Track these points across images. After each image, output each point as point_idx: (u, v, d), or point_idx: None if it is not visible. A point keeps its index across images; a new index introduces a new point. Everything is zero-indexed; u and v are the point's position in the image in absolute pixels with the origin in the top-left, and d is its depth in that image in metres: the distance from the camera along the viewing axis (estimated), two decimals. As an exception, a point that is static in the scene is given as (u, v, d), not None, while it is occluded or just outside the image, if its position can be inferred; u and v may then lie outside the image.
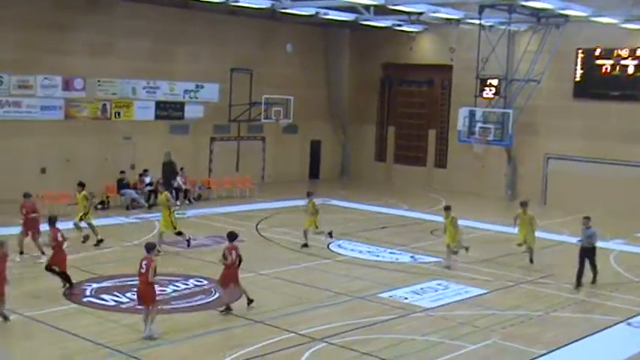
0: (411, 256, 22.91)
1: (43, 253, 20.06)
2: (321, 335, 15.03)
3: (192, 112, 36.10)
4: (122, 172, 31.14)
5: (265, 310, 16.77)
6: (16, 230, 21.48)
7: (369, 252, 23.54)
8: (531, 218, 22.11)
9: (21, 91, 30.50)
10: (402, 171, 41.12)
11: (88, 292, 17.63)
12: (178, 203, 29.56)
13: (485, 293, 18.98)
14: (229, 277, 16.45)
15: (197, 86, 36.12)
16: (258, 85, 37.36)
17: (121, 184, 30.64)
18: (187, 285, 18.67)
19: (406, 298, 18.09)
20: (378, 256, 23.05)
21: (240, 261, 16.65)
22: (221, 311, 16.50)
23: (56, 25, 30.94)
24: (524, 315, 17.19)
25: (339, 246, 23.96)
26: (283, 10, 32.67)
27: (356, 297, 18.21)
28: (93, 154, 32.37)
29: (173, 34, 34.72)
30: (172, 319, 15.90)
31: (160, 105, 34.92)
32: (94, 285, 18.24)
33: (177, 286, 18.43)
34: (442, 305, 17.75)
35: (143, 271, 14.53)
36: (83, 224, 23.14)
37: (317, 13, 33.21)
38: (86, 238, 22.08)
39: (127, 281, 18.48)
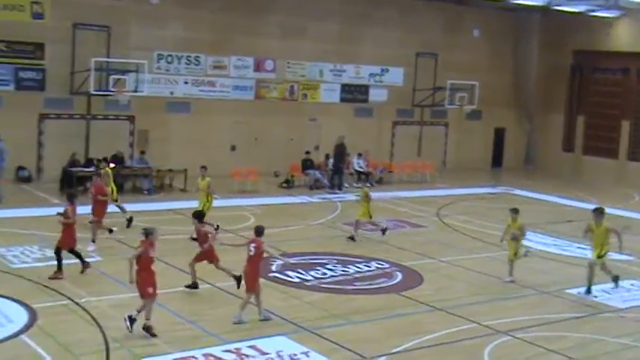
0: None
1: (110, 231, 20.13)
2: (505, 328, 14.65)
3: (376, 95, 36.27)
4: (307, 152, 31.82)
5: (446, 297, 16.58)
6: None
7: (554, 245, 22.73)
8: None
9: (216, 71, 31.88)
10: (592, 163, 39.30)
11: (273, 268, 18.12)
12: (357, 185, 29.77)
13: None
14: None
15: (382, 70, 36.21)
16: (443, 70, 37.02)
17: (306, 165, 31.30)
18: (369, 267, 18.78)
19: (595, 297, 17.28)
20: (564, 250, 22.20)
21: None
22: (186, 286, 15.89)
23: (251, 7, 32.01)
24: None
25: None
26: (473, -5, 32.08)
27: (542, 292, 17.62)
28: (280, 134, 33.34)
29: (361, 18, 34.97)
30: (355, 300, 16.07)
31: (345, 88, 35.35)
32: (280, 261, 18.71)
33: (359, 268, 18.59)
34: (636, 307, 16.81)
35: (252, 253, 14.33)
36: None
37: (508, -3, 32.39)
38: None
39: (311, 259, 18.90)
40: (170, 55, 30.87)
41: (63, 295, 14.85)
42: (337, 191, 29.95)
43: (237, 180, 29.16)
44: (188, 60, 31.29)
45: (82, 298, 14.65)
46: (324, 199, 28.76)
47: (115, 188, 22.48)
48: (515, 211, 18.16)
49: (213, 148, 31.41)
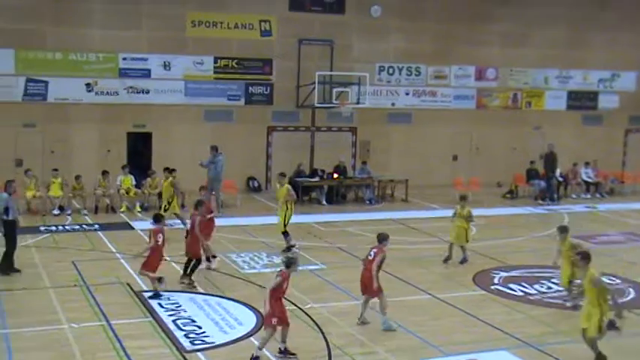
0: None
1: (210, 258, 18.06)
2: None
3: (606, 102, 34.50)
4: (532, 162, 30.83)
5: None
6: (430, 214, 22.34)
7: None
8: None
9: (436, 81, 31.83)
10: None
11: (496, 280, 17.69)
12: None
13: None
14: None
15: (613, 75, 34.39)
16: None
17: (531, 175, 30.34)
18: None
19: None
20: None
21: None
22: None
23: (473, 16, 31.65)
24: None
25: None
26: None
27: None
28: (502, 144, 32.63)
29: (588, 21, 33.42)
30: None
31: (572, 95, 33.97)
32: (502, 273, 18.24)
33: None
34: None
35: (370, 258, 13.95)
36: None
37: None
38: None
39: (536, 272, 18.26)
40: (391, 67, 31.24)
41: (288, 300, 15.35)
42: (549, 202, 28.67)
43: (459, 190, 28.80)
44: (409, 71, 31.50)
45: (307, 305, 15.08)
46: (549, 210, 27.72)
47: (175, 198, 22.27)
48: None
49: (434, 158, 31.40)
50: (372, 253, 14.15)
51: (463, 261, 18.96)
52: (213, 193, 24.28)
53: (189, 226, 17.10)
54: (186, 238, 17.25)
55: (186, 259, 16.62)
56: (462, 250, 19.11)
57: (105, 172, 25.36)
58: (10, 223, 16.76)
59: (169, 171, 22.86)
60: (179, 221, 21.68)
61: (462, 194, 20.38)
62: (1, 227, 16.80)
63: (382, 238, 14.26)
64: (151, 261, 15.43)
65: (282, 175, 21.15)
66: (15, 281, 16.24)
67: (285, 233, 19.89)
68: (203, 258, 17.18)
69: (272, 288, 12.17)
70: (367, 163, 29.40)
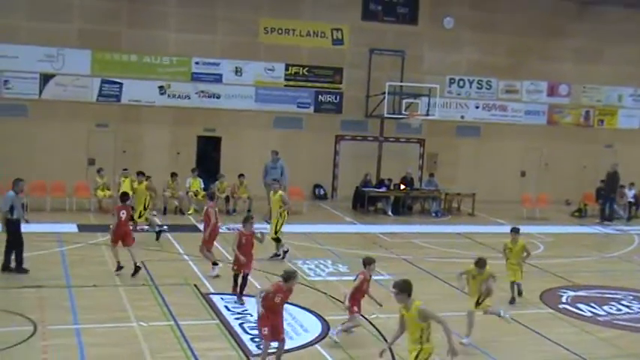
0: None
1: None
2: None
3: (683, 121, 33.73)
4: (602, 181, 30.22)
5: None
6: (497, 229, 22.02)
7: None
8: None
9: (507, 95, 31.49)
10: None
11: (564, 299, 17.37)
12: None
13: None
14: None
15: (690, 94, 33.59)
16: None
17: (600, 194, 29.74)
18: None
19: None
20: None
21: None
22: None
23: (547, 31, 31.30)
24: None
25: None
26: None
27: None
28: (572, 161, 32.12)
29: (667, 39, 32.71)
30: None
31: (646, 113, 33.30)
32: (570, 293, 17.91)
33: (659, 307, 17.22)
34: None
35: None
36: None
37: None
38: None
39: (605, 293, 17.86)
40: (462, 80, 31.04)
41: (354, 309, 15.34)
42: (607, 223, 28.05)
43: (526, 207, 28.49)
44: (479, 84, 31.24)
45: (372, 314, 15.02)
46: (619, 230, 27.13)
47: (145, 204, 21.63)
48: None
49: (502, 172, 31.07)
50: (356, 277, 13.69)
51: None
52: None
53: (236, 244, 15.65)
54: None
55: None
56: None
57: (174, 174, 25.74)
58: (14, 222, 16.79)
59: (144, 175, 22.26)
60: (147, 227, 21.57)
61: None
62: (4, 225, 16.86)
63: (366, 262, 13.71)
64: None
65: (275, 181, 20.92)
66: (86, 278, 16.57)
67: (277, 239, 19.36)
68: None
69: (260, 294, 11.74)
70: (434, 175, 29.23)
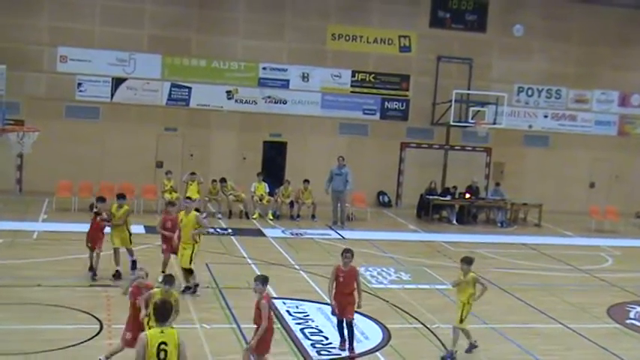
0: None
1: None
2: None
3: None
4: (674, 194, 29.53)
5: None
6: (564, 241, 21.63)
7: None
8: None
9: (577, 104, 30.96)
10: None
11: (632, 315, 16.95)
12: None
13: None
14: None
15: None
16: None
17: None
18: None
19: None
20: None
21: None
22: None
23: (619, 40, 30.69)
24: None
25: None
26: None
27: None
28: (644, 173, 31.38)
29: None
30: None
31: None
32: (639, 308, 17.48)
33: None
34: None
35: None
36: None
37: None
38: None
39: (676, 310, 17.40)
40: (530, 88, 30.62)
41: (416, 319, 15.27)
42: None
43: (595, 219, 27.91)
44: (549, 93, 30.77)
45: (434, 324, 14.92)
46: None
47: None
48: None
49: (570, 183, 30.54)
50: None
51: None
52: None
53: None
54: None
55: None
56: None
57: (222, 180, 25.87)
58: None
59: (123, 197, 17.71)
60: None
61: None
62: None
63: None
64: None
65: (188, 199, 17.94)
66: (151, 279, 16.80)
67: (190, 270, 16.07)
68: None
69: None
70: (500, 184, 28.86)
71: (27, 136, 17.58)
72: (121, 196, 17.44)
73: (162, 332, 8.31)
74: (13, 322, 13.46)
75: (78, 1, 27.15)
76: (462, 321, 13.06)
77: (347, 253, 12.83)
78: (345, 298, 12.85)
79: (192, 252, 15.92)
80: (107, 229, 16.95)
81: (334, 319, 13.35)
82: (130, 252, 17.26)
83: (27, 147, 17.78)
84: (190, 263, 15.93)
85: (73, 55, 27.28)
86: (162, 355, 8.20)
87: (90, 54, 27.34)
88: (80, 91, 27.42)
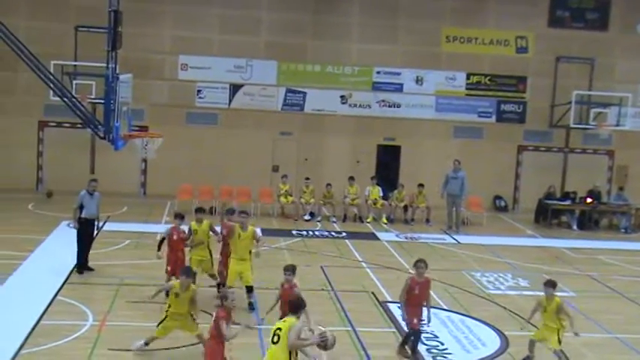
0: None
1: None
2: None
3: None
4: None
5: None
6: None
7: None
8: None
9: None
10: None
11: None
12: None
13: None
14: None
15: None
16: None
17: None
18: None
19: None
20: None
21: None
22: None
23: None
24: None
25: None
26: None
27: None
28: None
29: None
30: None
31: None
32: None
33: None
34: None
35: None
36: None
37: None
38: None
39: None
40: (656, 88, 29.37)
41: (534, 326, 14.87)
42: None
43: None
44: (676, 93, 29.41)
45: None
46: None
47: None
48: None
49: None
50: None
51: None
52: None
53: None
54: None
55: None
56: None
57: (351, 178, 26.00)
58: (83, 220, 17.03)
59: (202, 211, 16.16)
60: None
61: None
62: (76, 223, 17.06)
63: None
64: None
65: (244, 214, 15.30)
66: (268, 281, 17.04)
67: (251, 288, 15.12)
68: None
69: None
70: (624, 189, 27.79)
71: (151, 142, 18.14)
72: (200, 210, 15.89)
73: (284, 321, 9.86)
74: (141, 319, 13.92)
75: (198, 10, 27.92)
76: (559, 342, 12.30)
77: (420, 263, 12.61)
78: (419, 309, 12.69)
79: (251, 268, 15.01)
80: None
81: (450, 324, 13.18)
82: (213, 277, 15.73)
83: (151, 152, 18.33)
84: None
85: (193, 63, 28.10)
86: (275, 339, 9.70)
87: (209, 61, 28.08)
88: (200, 97, 28.20)
